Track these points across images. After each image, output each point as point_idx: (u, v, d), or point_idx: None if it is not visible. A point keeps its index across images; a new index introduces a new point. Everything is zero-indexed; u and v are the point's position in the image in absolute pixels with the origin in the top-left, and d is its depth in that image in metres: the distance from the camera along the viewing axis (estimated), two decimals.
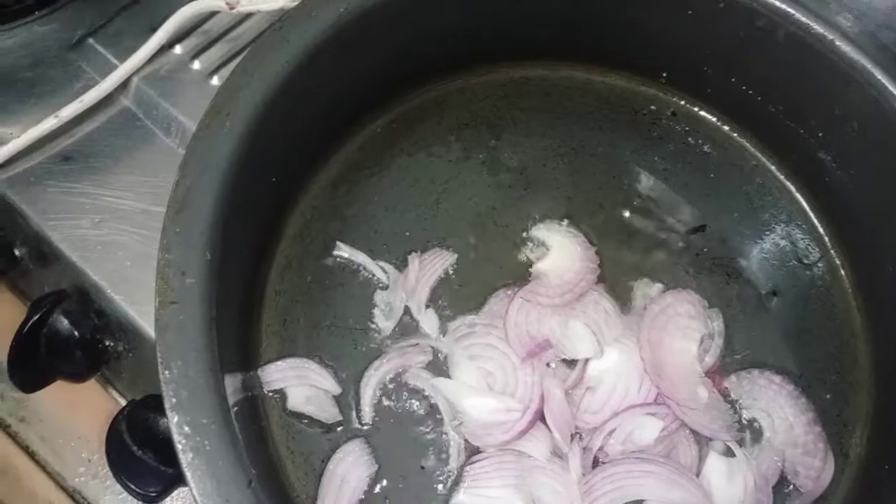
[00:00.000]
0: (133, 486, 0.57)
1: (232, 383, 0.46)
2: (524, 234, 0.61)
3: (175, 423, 0.39)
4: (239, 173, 0.46)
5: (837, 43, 0.56)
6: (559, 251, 0.60)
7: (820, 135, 0.60)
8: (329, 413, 0.53)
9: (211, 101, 0.47)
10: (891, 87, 0.54)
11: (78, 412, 0.71)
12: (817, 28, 0.56)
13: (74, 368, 0.63)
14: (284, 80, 0.49)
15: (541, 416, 0.54)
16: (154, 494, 0.57)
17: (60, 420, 0.72)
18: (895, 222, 0.58)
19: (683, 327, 0.57)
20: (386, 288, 0.58)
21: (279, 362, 0.54)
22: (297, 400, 0.53)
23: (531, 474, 0.52)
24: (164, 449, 0.57)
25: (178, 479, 0.57)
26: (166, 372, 0.40)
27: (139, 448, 0.57)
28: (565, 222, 0.62)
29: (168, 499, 0.58)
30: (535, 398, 0.53)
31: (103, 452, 0.71)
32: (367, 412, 0.54)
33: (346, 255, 0.59)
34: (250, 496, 0.38)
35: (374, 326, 0.57)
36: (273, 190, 0.54)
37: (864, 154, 0.59)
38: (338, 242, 0.59)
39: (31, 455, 0.71)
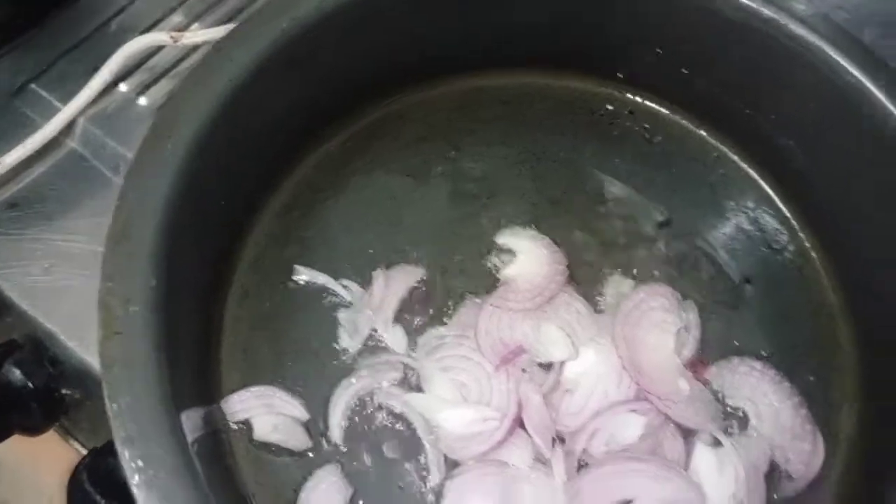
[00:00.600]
0: None
1: (192, 418, 0.44)
2: (490, 242, 0.60)
3: (126, 457, 0.36)
4: (183, 198, 0.44)
5: (790, 25, 0.55)
6: (526, 256, 0.58)
7: (779, 120, 0.60)
8: (298, 440, 0.51)
9: (151, 124, 0.45)
10: (845, 64, 0.54)
11: (39, 467, 0.69)
12: (768, 12, 0.56)
13: (30, 421, 0.60)
14: (227, 100, 0.48)
15: (520, 423, 0.52)
16: None
17: (21, 477, 0.69)
18: (860, 200, 0.58)
19: (658, 322, 0.56)
20: (349, 306, 0.56)
21: (243, 392, 0.51)
22: (264, 429, 0.51)
23: (514, 484, 0.50)
24: (129, 497, 0.55)
25: None
26: (114, 405, 0.38)
27: (101, 496, 0.55)
28: (531, 227, 0.60)
29: None
30: (513, 405, 0.51)
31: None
32: (337, 434, 0.51)
33: (305, 278, 0.57)
34: None
35: (339, 347, 0.55)
36: (223, 214, 0.52)
37: (824, 134, 0.58)
38: (296, 266, 0.57)
39: None
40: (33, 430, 0.61)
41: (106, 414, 0.59)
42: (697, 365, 0.56)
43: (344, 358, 0.54)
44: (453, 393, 0.52)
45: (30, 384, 0.58)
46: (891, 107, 0.53)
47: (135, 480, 0.36)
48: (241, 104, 0.50)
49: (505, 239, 0.60)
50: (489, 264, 0.59)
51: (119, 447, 0.37)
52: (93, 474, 0.55)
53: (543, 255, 0.58)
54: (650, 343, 0.55)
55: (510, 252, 0.59)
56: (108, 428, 0.60)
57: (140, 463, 0.36)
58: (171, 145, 0.44)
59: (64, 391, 0.60)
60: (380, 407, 0.53)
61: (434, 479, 0.50)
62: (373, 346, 0.55)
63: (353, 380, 0.53)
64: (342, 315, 0.55)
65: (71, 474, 0.55)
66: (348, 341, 0.55)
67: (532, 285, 0.56)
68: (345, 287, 0.56)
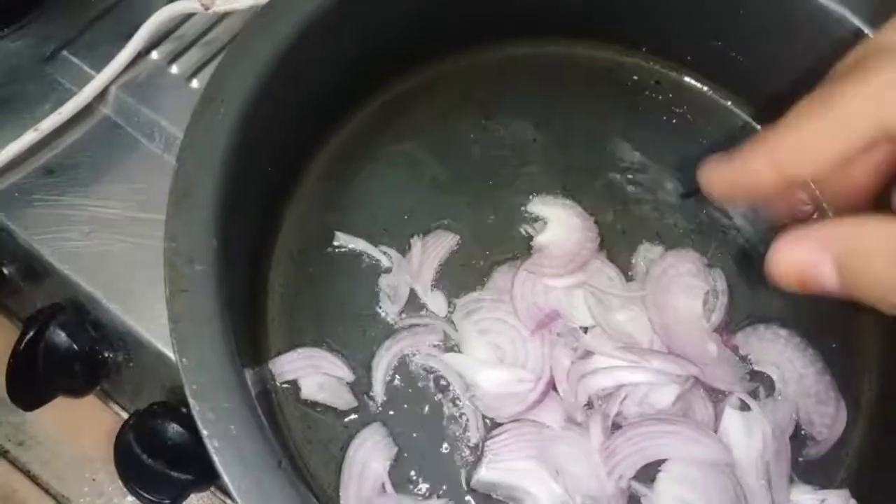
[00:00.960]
0: (146, 495, 0.56)
1: (248, 377, 0.45)
2: (522, 210, 0.61)
3: (197, 411, 0.38)
4: (237, 160, 0.45)
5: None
6: (558, 223, 0.60)
7: (806, 88, 0.61)
8: (344, 399, 0.52)
9: (203, 89, 0.46)
10: None
11: (77, 432, 0.70)
12: None
13: (74, 383, 0.62)
14: (273, 66, 0.48)
15: (554, 386, 0.53)
16: (168, 502, 0.56)
17: (60, 441, 0.71)
18: None
19: (687, 286, 0.57)
20: (389, 272, 0.57)
21: (290, 353, 0.53)
22: (311, 389, 0.52)
23: (552, 444, 0.51)
24: (175, 455, 0.57)
25: (191, 485, 0.56)
26: (184, 359, 0.39)
27: (149, 457, 0.56)
28: (561, 195, 0.62)
29: None
30: (547, 368, 0.53)
31: (106, 471, 0.70)
32: (380, 391, 0.53)
33: (345, 244, 0.58)
34: (281, 476, 0.38)
35: (381, 311, 0.56)
36: (269, 179, 0.53)
37: None
38: (336, 233, 0.58)
39: (34, 479, 0.70)
40: (77, 391, 0.63)
41: (147, 376, 0.61)
42: (724, 331, 0.58)
43: (385, 321, 0.56)
44: (490, 354, 0.54)
45: (74, 346, 0.59)
46: None
47: (206, 432, 0.38)
48: (285, 70, 0.50)
49: (536, 207, 0.61)
50: (522, 231, 0.60)
51: (190, 400, 0.38)
52: (139, 435, 0.57)
53: (575, 222, 0.60)
54: (679, 307, 0.56)
55: (542, 219, 0.61)
56: (150, 390, 0.62)
57: (211, 416, 0.38)
58: (224, 109, 0.45)
59: (106, 354, 0.61)
60: (421, 368, 0.54)
61: (473, 437, 0.52)
62: (413, 311, 0.56)
63: (395, 340, 0.54)
64: (382, 280, 0.57)
65: (117, 436, 0.56)
66: (389, 306, 0.56)
67: (564, 252, 0.58)
68: (384, 253, 0.58)
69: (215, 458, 0.37)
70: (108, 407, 0.69)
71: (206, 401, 0.38)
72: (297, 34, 0.51)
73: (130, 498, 0.68)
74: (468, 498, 0.51)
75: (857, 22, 0.56)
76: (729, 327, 0.58)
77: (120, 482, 0.55)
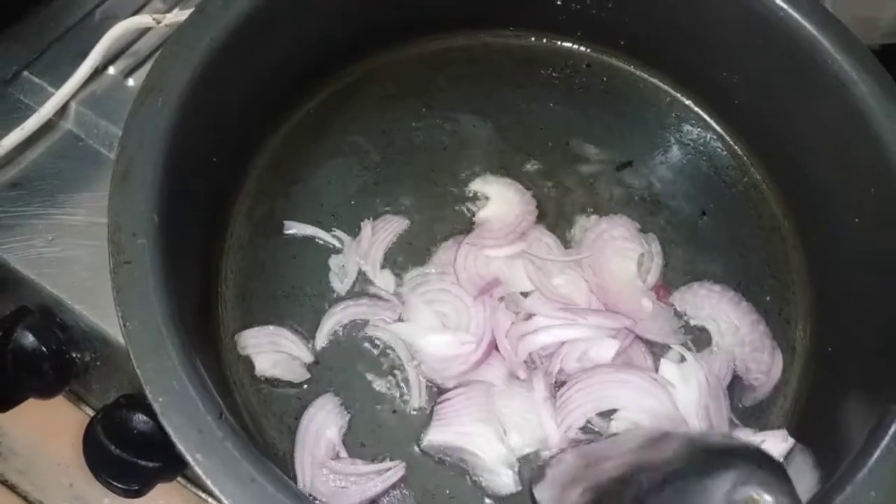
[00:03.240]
0: (115, 484, 0.57)
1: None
2: (464, 190, 0.64)
3: (141, 371, 0.40)
4: (177, 146, 0.48)
5: None
6: (498, 199, 0.63)
7: (725, 63, 0.65)
8: (297, 372, 0.55)
9: (143, 81, 0.49)
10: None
11: (51, 438, 0.71)
12: None
13: (44, 384, 0.63)
14: (211, 59, 0.52)
15: (497, 348, 0.56)
16: (136, 488, 0.58)
17: (35, 449, 0.72)
18: (803, 128, 0.62)
19: (620, 249, 0.60)
20: (340, 252, 0.60)
21: (252, 330, 0.56)
22: (265, 365, 0.55)
23: (499, 401, 0.54)
24: (142, 445, 0.58)
25: (159, 472, 0.58)
26: (127, 324, 0.41)
27: (116, 447, 0.58)
28: (501, 174, 0.65)
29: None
30: (488, 330, 0.56)
31: (83, 475, 0.71)
32: (321, 342, 0.56)
33: (295, 231, 0.61)
34: (223, 425, 0.40)
35: (330, 289, 0.59)
36: (216, 167, 0.56)
37: (769, 71, 0.63)
38: (285, 222, 0.61)
39: (12, 489, 0.71)
40: (47, 392, 0.64)
41: (114, 373, 0.63)
42: (661, 290, 0.61)
43: (335, 298, 0.58)
44: (434, 321, 0.56)
45: (42, 348, 0.61)
46: (825, 42, 0.58)
47: (149, 388, 0.40)
48: (220, 63, 0.53)
49: (477, 185, 0.64)
50: (464, 209, 0.63)
51: (134, 361, 0.41)
52: (107, 427, 0.58)
53: (514, 197, 0.63)
54: (614, 268, 0.59)
55: (483, 196, 0.64)
56: (118, 387, 0.64)
57: (154, 374, 0.40)
58: (163, 98, 0.48)
59: (74, 355, 0.63)
60: (369, 339, 0.57)
61: (416, 402, 0.55)
62: (361, 289, 0.59)
63: (343, 307, 0.57)
64: (333, 260, 0.60)
65: (85, 430, 0.58)
66: (339, 284, 0.59)
67: (504, 224, 0.61)
68: (334, 236, 0.61)
69: (159, 414, 0.39)
70: (80, 410, 0.70)
71: (149, 361, 0.40)
72: (235, 28, 0.54)
73: (108, 500, 0.70)
74: (420, 459, 0.54)
75: None
76: (664, 287, 0.61)
77: (98, 484, 0.57)
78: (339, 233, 0.61)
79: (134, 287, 0.42)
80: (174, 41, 0.51)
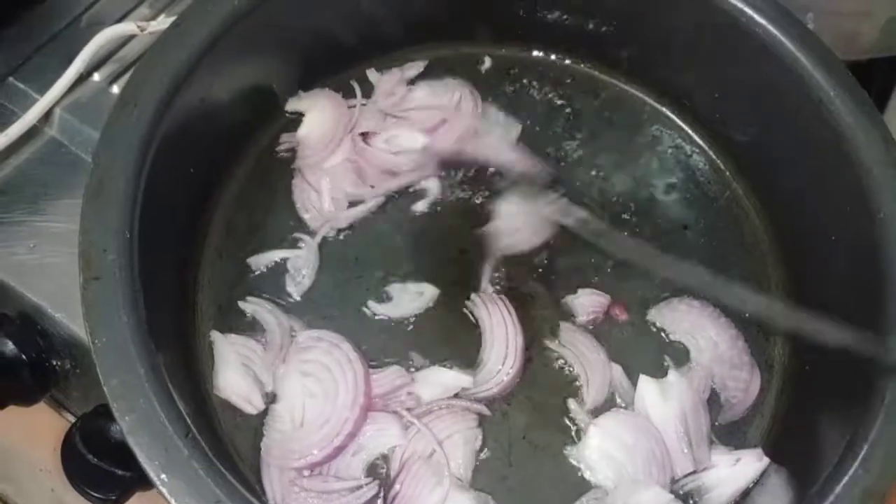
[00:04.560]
0: (92, 493, 0.58)
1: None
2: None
3: (108, 388, 0.40)
4: (152, 161, 0.48)
5: None
6: (311, 112, 0.64)
7: (705, 74, 0.65)
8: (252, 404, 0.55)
9: (118, 95, 0.49)
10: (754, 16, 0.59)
11: (33, 445, 0.71)
12: None
13: (24, 391, 0.63)
14: (186, 73, 0.52)
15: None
16: (114, 498, 0.58)
17: (17, 457, 0.72)
18: (782, 143, 0.62)
19: None
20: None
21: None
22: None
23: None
24: (120, 454, 0.58)
25: (136, 482, 0.58)
26: (95, 341, 0.41)
27: (94, 456, 0.58)
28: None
29: None
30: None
31: (64, 480, 0.71)
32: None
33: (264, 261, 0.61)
34: (189, 444, 0.40)
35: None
36: (193, 181, 0.56)
37: (749, 86, 0.63)
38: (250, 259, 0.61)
39: None
40: (27, 399, 0.64)
41: (94, 382, 0.63)
42: (617, 307, 0.61)
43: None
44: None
45: (22, 355, 0.61)
46: (803, 59, 0.58)
47: (116, 406, 0.40)
48: (198, 77, 0.53)
49: (292, 104, 0.65)
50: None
51: (102, 377, 0.41)
52: (85, 436, 0.58)
53: (326, 104, 0.64)
54: None
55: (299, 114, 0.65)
56: (98, 394, 0.64)
57: (121, 391, 0.40)
58: (137, 112, 0.48)
59: (54, 362, 0.63)
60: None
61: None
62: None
63: None
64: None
65: (64, 438, 0.58)
66: (293, 287, 0.59)
67: (323, 134, 0.63)
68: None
69: (125, 430, 0.40)
70: (61, 416, 0.71)
71: (116, 378, 0.40)
72: (210, 43, 0.54)
73: None
74: None
75: None
76: (621, 303, 0.61)
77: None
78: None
79: (102, 305, 0.42)
80: (150, 55, 0.51)
